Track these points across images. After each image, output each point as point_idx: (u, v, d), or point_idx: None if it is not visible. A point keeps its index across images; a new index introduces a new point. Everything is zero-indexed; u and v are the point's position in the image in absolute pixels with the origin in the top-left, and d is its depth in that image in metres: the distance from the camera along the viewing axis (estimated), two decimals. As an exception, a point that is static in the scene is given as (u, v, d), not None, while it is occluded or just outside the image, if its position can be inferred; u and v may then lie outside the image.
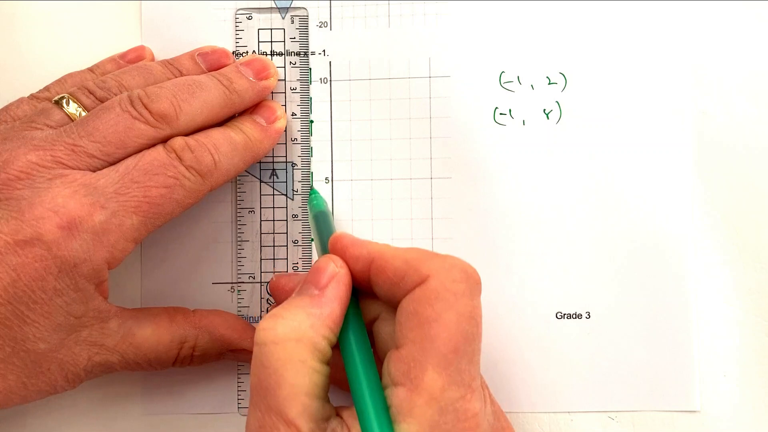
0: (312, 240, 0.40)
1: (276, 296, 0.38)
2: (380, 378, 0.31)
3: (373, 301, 0.34)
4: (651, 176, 0.39)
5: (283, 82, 0.41)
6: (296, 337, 0.30)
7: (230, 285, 0.41)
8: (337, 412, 0.31)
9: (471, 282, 0.32)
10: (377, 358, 0.33)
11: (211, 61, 0.40)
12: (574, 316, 0.39)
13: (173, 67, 0.39)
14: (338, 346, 0.32)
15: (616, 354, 0.39)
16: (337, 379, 0.33)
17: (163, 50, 0.41)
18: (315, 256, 0.40)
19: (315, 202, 0.39)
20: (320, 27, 0.41)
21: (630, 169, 0.40)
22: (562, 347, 0.39)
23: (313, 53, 0.41)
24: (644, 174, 0.39)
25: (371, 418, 0.29)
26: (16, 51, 0.41)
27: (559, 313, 0.40)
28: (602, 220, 0.40)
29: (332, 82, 0.41)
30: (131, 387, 0.40)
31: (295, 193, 0.41)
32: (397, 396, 0.30)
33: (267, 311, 0.40)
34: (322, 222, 0.37)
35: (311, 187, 0.41)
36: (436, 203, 0.40)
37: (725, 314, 0.39)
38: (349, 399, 0.32)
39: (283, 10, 0.41)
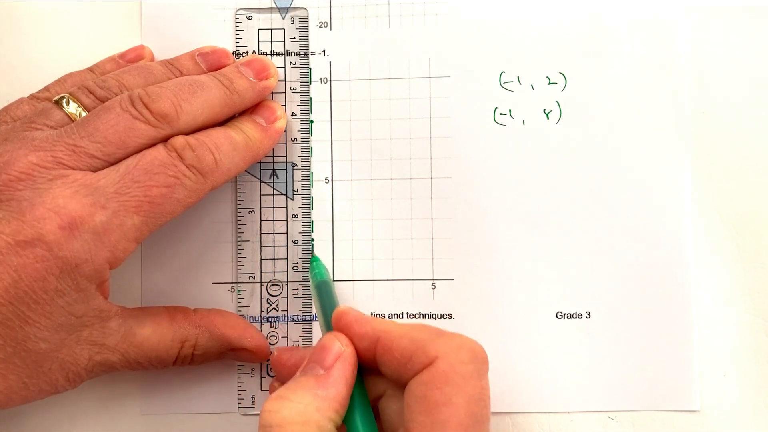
0: (314, 310, 0.40)
1: (278, 372, 0.37)
2: None
3: (379, 378, 0.33)
4: (651, 176, 0.39)
5: (283, 82, 0.41)
6: (302, 420, 0.30)
7: (230, 285, 0.41)
8: None
9: (479, 362, 0.31)
10: None
11: (212, 61, 0.39)
12: (574, 316, 0.39)
13: (173, 67, 0.39)
14: (344, 427, 0.32)
15: (616, 354, 0.39)
16: None
17: (163, 50, 0.41)
18: (316, 327, 0.40)
19: (316, 270, 0.39)
20: (320, 27, 0.41)
21: (630, 169, 0.40)
22: (562, 347, 0.39)
23: (313, 53, 0.41)
24: (644, 174, 0.39)
25: None
26: (17, 50, 0.41)
27: (560, 313, 0.40)
28: (602, 220, 0.40)
29: (332, 82, 0.41)
30: (130, 387, 0.40)
31: (295, 193, 0.41)
32: None
33: (268, 375, 0.40)
34: (324, 293, 0.37)
35: (312, 254, 0.40)
36: (436, 203, 0.40)
37: (725, 314, 0.39)
38: None
39: (283, 10, 0.41)
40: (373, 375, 0.33)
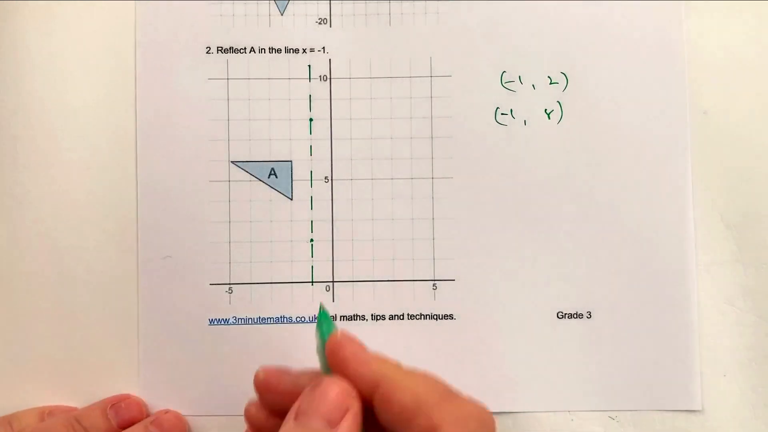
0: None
1: (262, 396, 0.32)
2: None
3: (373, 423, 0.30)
4: (652, 176, 0.40)
5: (283, 80, 0.40)
6: None
7: (228, 286, 0.40)
8: None
9: None
10: None
11: (123, 416, 0.39)
12: (575, 315, 0.40)
13: (80, 426, 0.37)
14: None
15: (617, 353, 0.39)
16: None
17: (158, 49, 0.40)
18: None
19: (325, 327, 0.31)
20: (320, 24, 0.40)
21: (631, 169, 0.40)
22: (563, 347, 0.39)
23: (312, 50, 0.40)
24: (645, 174, 0.40)
25: None
26: (11, 51, 0.40)
27: (560, 313, 0.40)
28: (603, 219, 0.40)
29: (332, 80, 0.40)
30: (131, 387, 0.40)
31: (293, 192, 0.40)
32: None
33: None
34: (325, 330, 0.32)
35: (321, 307, 0.32)
36: (437, 203, 0.40)
37: (726, 314, 0.39)
38: None
39: (282, 6, 0.40)
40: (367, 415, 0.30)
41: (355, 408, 0.28)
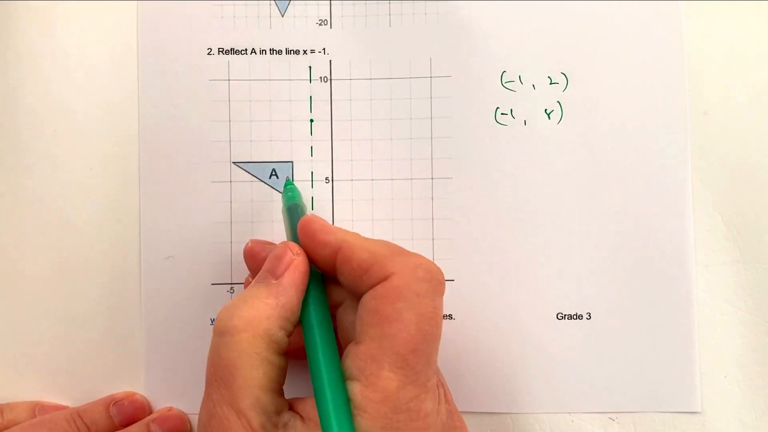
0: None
1: (249, 264, 0.37)
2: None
3: (339, 287, 0.34)
4: (652, 176, 0.39)
5: (284, 81, 0.40)
6: (252, 329, 0.31)
7: (229, 286, 0.40)
8: (291, 405, 0.31)
9: (434, 282, 0.32)
10: (339, 344, 0.33)
11: (126, 414, 0.39)
12: (574, 316, 0.39)
13: (81, 422, 0.38)
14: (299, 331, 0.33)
15: (617, 355, 0.39)
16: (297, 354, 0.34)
17: (160, 50, 0.40)
18: None
19: (290, 194, 0.38)
20: (320, 25, 0.41)
21: (631, 170, 0.40)
22: (562, 348, 0.39)
23: (312, 51, 0.41)
24: (645, 174, 0.39)
25: (329, 406, 0.29)
26: (13, 50, 0.41)
27: (560, 314, 0.39)
28: (603, 220, 0.40)
29: (332, 81, 0.40)
30: (134, 385, 0.40)
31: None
32: (352, 391, 0.30)
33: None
34: (294, 216, 0.37)
35: (287, 179, 0.40)
36: (437, 203, 0.40)
37: (726, 315, 0.39)
38: (304, 391, 0.32)
39: (282, 8, 0.41)
40: (334, 284, 0.34)
41: (297, 261, 0.33)
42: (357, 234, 0.34)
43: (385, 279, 0.31)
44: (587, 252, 0.40)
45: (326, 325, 0.32)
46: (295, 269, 0.33)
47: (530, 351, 0.39)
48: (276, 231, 0.40)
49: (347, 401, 0.30)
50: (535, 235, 0.40)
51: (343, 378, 0.30)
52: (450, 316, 0.40)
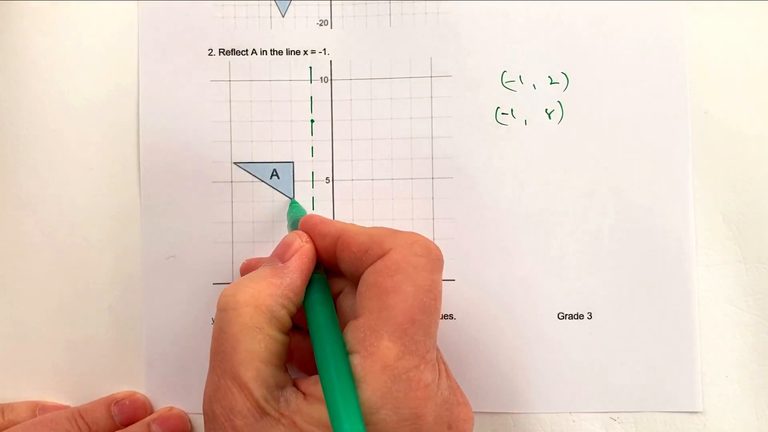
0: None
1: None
2: None
3: (339, 278, 0.35)
4: (653, 176, 0.39)
5: (284, 81, 0.40)
6: (255, 304, 0.31)
7: (230, 285, 0.40)
8: (294, 383, 0.32)
9: (432, 257, 0.32)
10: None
11: (128, 414, 0.39)
12: (575, 316, 0.39)
13: (82, 421, 0.38)
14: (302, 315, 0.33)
15: (618, 354, 0.39)
16: (303, 363, 0.34)
17: (160, 51, 0.40)
18: None
19: (294, 212, 0.39)
20: (321, 25, 0.41)
21: (632, 169, 0.39)
22: (563, 348, 0.39)
23: (313, 52, 0.41)
24: (646, 174, 0.39)
25: (333, 380, 0.29)
26: (13, 50, 0.41)
27: (561, 314, 0.39)
28: (604, 220, 0.39)
29: (333, 81, 0.41)
30: (135, 385, 0.40)
31: (295, 193, 0.40)
32: (352, 363, 0.30)
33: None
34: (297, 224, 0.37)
35: (292, 199, 0.40)
36: (437, 203, 0.40)
37: (727, 315, 0.39)
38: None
39: (283, 8, 0.41)
40: (333, 276, 0.35)
41: (305, 248, 0.34)
42: (355, 224, 0.35)
43: (383, 255, 0.32)
44: (588, 252, 0.39)
45: (329, 305, 0.33)
46: (302, 254, 0.33)
47: (531, 351, 0.39)
48: (276, 231, 0.40)
49: (351, 376, 0.30)
50: (536, 235, 0.40)
51: (346, 353, 0.31)
52: (450, 316, 0.40)
